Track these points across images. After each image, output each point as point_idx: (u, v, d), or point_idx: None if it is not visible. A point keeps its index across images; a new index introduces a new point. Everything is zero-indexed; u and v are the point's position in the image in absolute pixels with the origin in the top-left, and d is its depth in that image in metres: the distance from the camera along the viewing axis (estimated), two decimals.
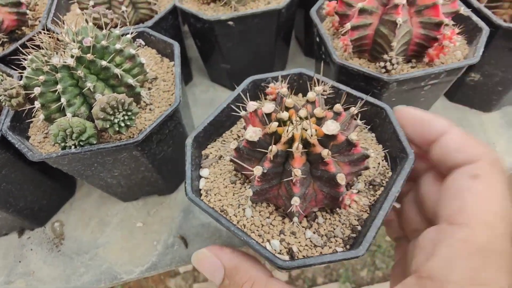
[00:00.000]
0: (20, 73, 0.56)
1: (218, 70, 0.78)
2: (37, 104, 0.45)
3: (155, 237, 0.61)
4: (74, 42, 0.44)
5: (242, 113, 0.36)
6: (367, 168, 0.34)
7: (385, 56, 0.51)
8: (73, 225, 0.64)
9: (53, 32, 0.47)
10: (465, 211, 0.27)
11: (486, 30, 0.53)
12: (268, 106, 0.33)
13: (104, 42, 0.45)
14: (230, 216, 0.35)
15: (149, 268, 0.58)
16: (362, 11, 0.50)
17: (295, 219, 0.33)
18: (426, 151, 0.35)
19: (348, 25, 0.51)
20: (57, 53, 0.44)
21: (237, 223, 0.35)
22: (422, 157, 0.36)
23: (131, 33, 0.51)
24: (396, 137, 0.36)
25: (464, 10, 0.50)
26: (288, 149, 0.32)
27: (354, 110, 0.34)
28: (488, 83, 0.64)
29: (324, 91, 0.37)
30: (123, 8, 0.62)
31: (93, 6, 0.61)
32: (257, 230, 0.34)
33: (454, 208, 0.28)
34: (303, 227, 0.35)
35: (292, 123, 0.32)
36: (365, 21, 0.50)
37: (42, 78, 0.43)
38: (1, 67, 0.56)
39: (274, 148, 0.30)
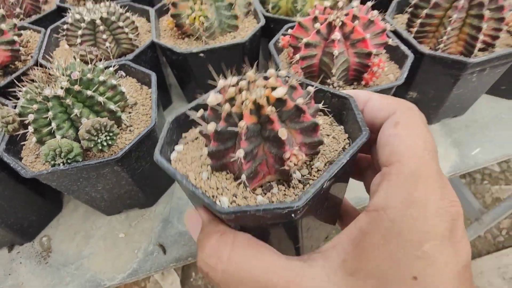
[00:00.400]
0: (14, 103, 0.64)
1: (194, 95, 0.87)
2: (30, 128, 0.52)
3: (136, 246, 0.67)
4: (63, 75, 0.53)
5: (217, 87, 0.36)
6: (321, 142, 0.35)
7: (329, 81, 0.61)
8: (60, 239, 0.70)
9: (45, 67, 0.55)
10: (394, 152, 0.30)
11: (411, 57, 0.63)
12: (230, 78, 0.34)
13: (89, 75, 0.54)
14: (190, 179, 0.36)
15: (131, 274, 0.64)
16: (307, 45, 0.59)
17: (243, 176, 0.33)
18: None
19: (297, 56, 0.61)
20: (48, 85, 0.53)
21: (195, 184, 0.35)
22: None
23: (114, 66, 0.60)
24: (355, 120, 0.37)
25: (392, 41, 0.61)
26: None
27: (311, 88, 0.36)
28: (424, 99, 0.74)
29: (287, 76, 0.37)
30: (107, 44, 0.71)
31: (80, 43, 0.70)
32: (212, 191, 0.35)
33: (386, 153, 0.31)
34: (256, 194, 0.35)
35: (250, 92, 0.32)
36: (310, 52, 0.60)
37: (35, 106, 0.51)
38: None
39: (227, 106, 0.31)
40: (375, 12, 0.60)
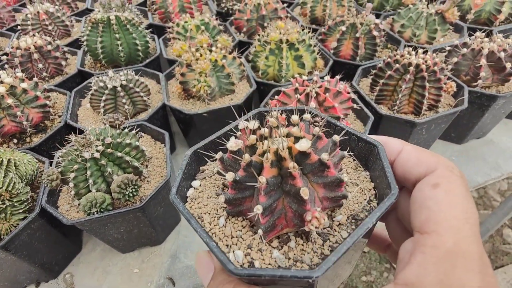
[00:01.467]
0: (50, 160, 0.76)
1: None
2: (70, 184, 0.65)
3: (148, 280, 0.78)
4: (98, 140, 0.66)
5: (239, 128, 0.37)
6: (345, 196, 0.34)
7: None
8: (81, 275, 0.80)
9: (79, 135, 0.69)
10: (431, 219, 0.28)
11: (371, 118, 0.79)
12: (252, 123, 0.34)
13: (119, 139, 0.68)
14: (204, 223, 0.36)
15: None
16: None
17: (260, 231, 0.33)
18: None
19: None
20: (85, 148, 0.66)
21: (209, 230, 0.35)
22: None
23: (135, 128, 0.74)
24: (384, 174, 0.34)
25: (356, 106, 0.78)
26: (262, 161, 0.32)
27: (337, 137, 0.35)
28: None
29: (315, 121, 0.40)
30: (126, 106, 0.86)
31: (104, 106, 0.84)
32: (226, 240, 0.34)
33: (422, 218, 0.29)
34: (272, 247, 0.34)
35: (272, 140, 0.33)
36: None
37: (76, 167, 0.64)
38: (36, 155, 0.76)
39: (247, 156, 0.31)
40: (341, 85, 0.76)
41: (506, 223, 2.74)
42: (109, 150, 0.65)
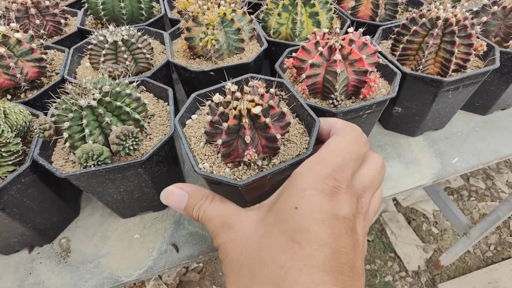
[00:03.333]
0: (44, 113, 0.71)
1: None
2: (65, 134, 0.59)
3: (150, 246, 0.73)
4: (95, 88, 0.60)
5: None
6: (278, 148, 0.53)
7: (332, 96, 0.69)
8: (78, 240, 0.75)
9: (71, 82, 0.63)
10: (324, 146, 0.43)
11: (398, 74, 0.73)
12: (234, 86, 0.51)
13: (118, 89, 0.61)
14: (191, 143, 0.57)
15: (146, 271, 0.69)
16: (312, 65, 0.68)
17: (220, 155, 0.53)
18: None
19: (303, 75, 0.69)
20: (81, 97, 0.60)
21: (192, 147, 0.56)
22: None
23: (136, 81, 0.68)
24: (308, 115, 0.57)
25: (382, 61, 0.71)
26: (240, 111, 0.49)
27: (285, 109, 0.53)
28: (408, 114, 0.84)
29: (280, 94, 0.62)
30: (127, 62, 0.79)
31: (103, 62, 0.78)
32: (201, 156, 0.55)
33: (322, 147, 0.44)
34: (227, 166, 0.54)
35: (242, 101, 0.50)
36: (315, 71, 0.69)
37: (71, 115, 0.58)
38: (30, 109, 0.70)
39: (221, 108, 0.49)
40: (368, 36, 0.69)
41: None
42: (107, 99, 0.59)
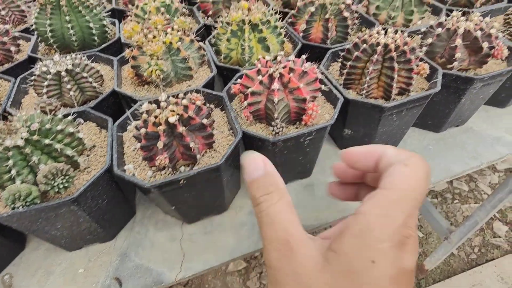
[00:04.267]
0: None
1: None
2: None
3: (94, 280, 0.71)
4: (24, 127, 0.60)
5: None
6: (211, 134, 0.65)
7: (273, 123, 0.69)
8: (21, 276, 0.73)
9: (12, 115, 0.62)
10: (392, 182, 0.37)
11: (341, 100, 0.73)
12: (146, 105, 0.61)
13: (48, 125, 0.61)
14: (125, 146, 0.71)
15: None
16: (253, 93, 0.68)
17: (142, 158, 0.63)
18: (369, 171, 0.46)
19: (245, 103, 0.70)
20: (10, 136, 0.59)
21: (125, 150, 0.70)
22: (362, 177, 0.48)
23: (72, 114, 0.68)
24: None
25: (325, 87, 0.72)
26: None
27: (209, 107, 0.68)
28: (358, 136, 0.85)
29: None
30: (71, 93, 0.78)
31: (46, 93, 0.77)
32: (130, 158, 0.68)
33: (386, 181, 0.38)
34: (151, 169, 0.64)
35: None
36: (256, 99, 0.69)
37: None
38: None
39: (142, 130, 0.59)
40: (307, 64, 0.69)
41: (496, 216, 2.70)
42: (35, 137, 0.58)
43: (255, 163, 0.45)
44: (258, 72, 0.69)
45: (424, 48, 0.87)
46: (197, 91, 0.77)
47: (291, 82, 0.67)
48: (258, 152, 0.58)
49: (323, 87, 0.71)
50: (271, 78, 0.68)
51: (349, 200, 0.50)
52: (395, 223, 0.37)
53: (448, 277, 2.34)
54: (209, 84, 0.86)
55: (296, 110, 0.70)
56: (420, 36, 0.93)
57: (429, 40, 0.86)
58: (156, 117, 0.59)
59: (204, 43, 0.95)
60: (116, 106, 0.86)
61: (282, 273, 0.39)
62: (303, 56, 0.73)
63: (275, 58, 0.76)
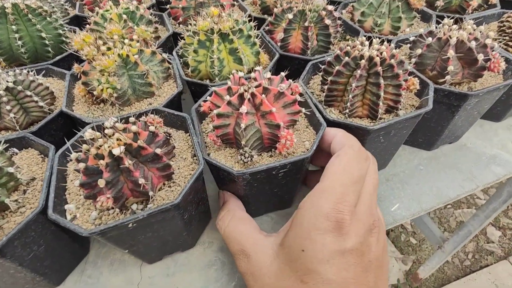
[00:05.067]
0: None
1: None
2: None
3: None
4: None
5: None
6: (167, 165, 0.55)
7: (241, 151, 0.59)
8: None
9: None
10: (324, 174, 0.48)
11: (324, 125, 0.62)
12: (94, 132, 0.51)
13: None
14: (68, 180, 0.61)
15: None
16: (219, 115, 0.58)
17: (101, 198, 0.49)
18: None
19: (210, 125, 0.60)
20: None
21: (68, 184, 0.59)
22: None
23: (2, 142, 0.57)
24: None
25: (305, 111, 0.61)
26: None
27: (159, 151, 0.53)
28: None
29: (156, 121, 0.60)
30: (11, 115, 0.68)
31: None
32: (73, 195, 0.57)
33: (325, 174, 0.48)
34: (96, 209, 0.54)
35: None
36: (224, 122, 0.59)
37: None
38: None
39: (81, 165, 0.49)
40: (283, 85, 0.59)
41: (490, 221, 2.66)
42: None
43: (220, 199, 0.66)
44: (228, 90, 0.60)
45: (414, 60, 0.79)
46: (156, 111, 0.67)
47: (263, 104, 0.57)
48: (226, 182, 0.65)
49: (303, 110, 0.61)
50: (241, 98, 0.58)
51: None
52: (321, 211, 0.43)
53: (442, 285, 2.29)
54: (174, 102, 0.76)
55: (269, 136, 0.60)
56: (409, 45, 0.85)
57: (419, 51, 0.77)
58: (98, 147, 0.49)
59: (172, 54, 0.86)
60: (68, 128, 0.76)
61: (246, 275, 0.49)
62: (282, 73, 0.63)
63: (250, 72, 0.67)
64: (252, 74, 0.61)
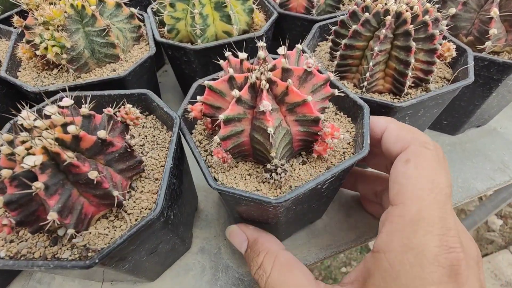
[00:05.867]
0: None
1: None
2: None
3: None
4: None
5: None
6: (141, 161, 0.41)
7: (269, 166, 0.41)
8: None
9: None
10: (400, 192, 0.33)
11: (366, 108, 0.46)
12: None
13: None
14: None
15: None
16: (228, 121, 0.39)
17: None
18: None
19: (216, 139, 0.40)
20: None
21: None
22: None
23: None
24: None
25: (338, 92, 0.42)
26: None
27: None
28: None
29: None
30: None
31: None
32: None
33: (394, 191, 0.34)
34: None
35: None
36: (235, 129, 0.40)
37: None
38: None
39: (4, 172, 0.31)
40: (311, 61, 0.39)
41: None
42: None
43: (238, 238, 0.46)
44: (231, 81, 0.40)
45: (444, 22, 0.64)
46: (117, 98, 0.49)
47: (290, 93, 0.38)
48: (251, 214, 0.46)
49: (336, 92, 0.42)
50: (253, 90, 0.39)
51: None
52: (427, 255, 0.29)
53: None
54: (144, 70, 0.61)
55: (302, 137, 0.43)
56: (436, 4, 0.69)
57: (452, 11, 0.62)
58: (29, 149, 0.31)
59: (146, 12, 0.69)
60: (15, 99, 0.60)
61: None
62: (299, 46, 0.42)
63: (244, 33, 0.50)
64: (261, 53, 0.40)
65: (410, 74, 0.51)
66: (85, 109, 0.33)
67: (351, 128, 0.48)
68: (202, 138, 0.48)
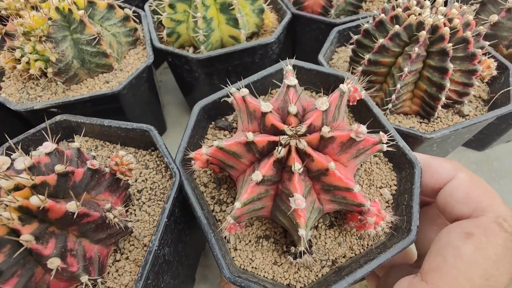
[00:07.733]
0: None
1: None
2: None
3: None
4: None
5: None
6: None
7: (294, 249, 0.35)
8: None
9: None
10: (442, 270, 0.27)
11: (417, 165, 0.36)
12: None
13: None
14: None
15: None
16: (246, 203, 0.31)
17: None
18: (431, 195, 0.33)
19: (229, 219, 0.32)
20: None
21: None
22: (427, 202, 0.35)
23: None
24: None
25: (386, 147, 0.32)
26: None
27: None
28: None
29: None
30: None
31: None
32: None
33: (433, 264, 0.28)
34: None
35: None
36: (253, 207, 0.33)
37: None
38: None
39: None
40: (362, 129, 0.29)
41: None
42: None
43: None
44: (249, 145, 0.31)
45: (482, 29, 0.56)
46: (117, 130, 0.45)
47: (330, 176, 0.30)
48: None
49: (385, 148, 0.32)
50: (280, 163, 0.31)
51: None
52: None
53: None
54: (141, 82, 0.54)
55: (336, 210, 0.35)
56: (472, 7, 0.61)
57: (494, 18, 0.54)
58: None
59: (143, 9, 0.62)
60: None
61: None
62: (344, 87, 0.32)
63: (251, 38, 0.43)
64: (292, 109, 0.31)
65: (443, 98, 0.44)
66: (60, 167, 0.27)
67: (392, 180, 0.40)
68: (208, 181, 0.41)
